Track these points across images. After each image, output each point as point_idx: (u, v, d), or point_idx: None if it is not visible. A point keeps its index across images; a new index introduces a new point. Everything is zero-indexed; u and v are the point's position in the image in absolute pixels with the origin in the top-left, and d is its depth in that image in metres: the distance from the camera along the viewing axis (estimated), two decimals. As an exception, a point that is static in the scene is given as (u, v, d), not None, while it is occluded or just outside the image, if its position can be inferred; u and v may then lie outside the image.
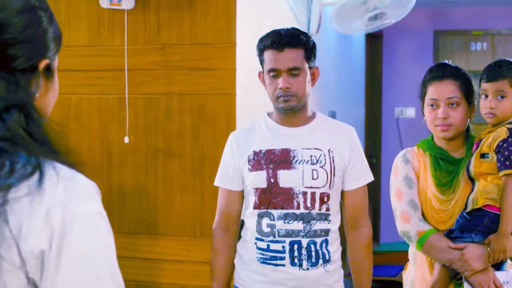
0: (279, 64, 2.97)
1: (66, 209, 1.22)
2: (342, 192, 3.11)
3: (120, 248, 4.16)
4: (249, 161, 3.06)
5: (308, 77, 3.03)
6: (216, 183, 3.19)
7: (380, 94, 8.69)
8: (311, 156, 3.01)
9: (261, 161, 3.03)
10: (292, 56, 2.97)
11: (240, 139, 3.14)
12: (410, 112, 8.39)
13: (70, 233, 1.21)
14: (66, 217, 1.21)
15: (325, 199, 3.01)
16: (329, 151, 3.03)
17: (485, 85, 3.01)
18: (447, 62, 3.18)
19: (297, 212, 2.98)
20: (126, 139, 4.01)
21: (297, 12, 4.98)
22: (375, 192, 7.92)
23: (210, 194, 3.89)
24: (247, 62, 3.99)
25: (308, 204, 2.99)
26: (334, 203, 3.06)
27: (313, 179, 2.99)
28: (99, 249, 1.24)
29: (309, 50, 3.02)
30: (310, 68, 3.04)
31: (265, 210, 3.02)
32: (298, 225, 2.98)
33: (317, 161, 3.01)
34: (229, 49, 3.88)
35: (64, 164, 1.29)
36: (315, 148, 3.03)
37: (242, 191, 3.14)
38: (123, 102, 4.05)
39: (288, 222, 2.98)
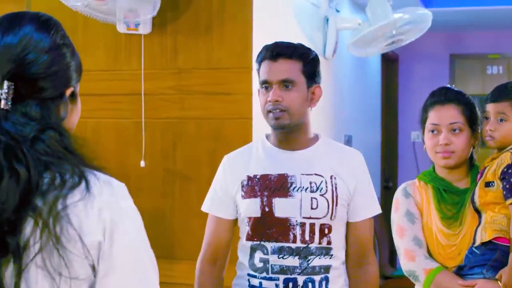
0: (271, 75, 2.69)
1: (112, 208, 1.55)
2: (347, 224, 2.80)
3: (136, 273, 4.16)
4: (242, 187, 2.76)
5: (305, 94, 2.72)
6: (204, 209, 2.95)
7: (396, 117, 8.67)
8: (310, 183, 2.70)
9: (255, 188, 2.72)
10: (285, 67, 2.69)
11: (233, 162, 2.87)
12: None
13: (117, 226, 1.54)
14: (113, 214, 1.54)
15: (326, 231, 2.70)
16: (331, 177, 2.72)
17: (487, 106, 2.90)
18: (450, 86, 3.04)
19: (293, 246, 2.67)
20: (142, 163, 4.02)
21: (313, 36, 4.99)
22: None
23: (226, 218, 3.88)
24: (263, 86, 3.99)
25: (306, 237, 2.67)
26: (337, 236, 2.74)
27: (312, 208, 2.68)
28: (139, 236, 1.61)
29: (309, 64, 2.73)
30: (309, 85, 2.74)
31: (258, 242, 2.72)
32: (293, 261, 2.66)
33: (317, 189, 2.69)
34: (246, 74, 3.89)
35: (96, 170, 1.61)
36: (315, 174, 2.72)
37: (234, 220, 2.86)
38: (140, 126, 4.06)
39: (282, 257, 2.67)
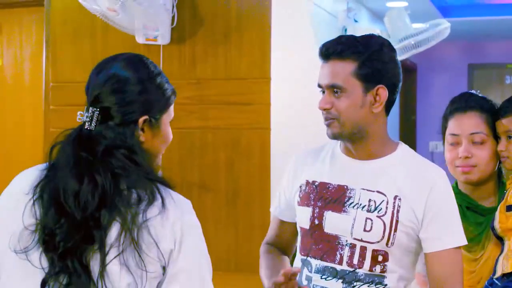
0: (320, 78, 2.35)
1: (182, 221, 1.87)
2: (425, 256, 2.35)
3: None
4: (300, 191, 2.46)
5: (359, 100, 2.30)
6: (271, 209, 2.65)
7: (415, 128, 8.66)
8: (370, 200, 2.32)
9: (311, 196, 2.41)
10: (334, 70, 2.31)
11: (299, 162, 2.53)
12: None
13: (185, 237, 1.86)
14: (183, 226, 1.86)
15: (380, 258, 2.30)
16: (395, 198, 2.30)
17: (497, 124, 2.54)
18: (473, 91, 2.70)
19: (338, 267, 2.33)
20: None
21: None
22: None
23: (244, 228, 3.88)
24: (282, 96, 3.99)
25: (354, 261, 2.31)
26: (397, 266, 2.32)
27: (365, 230, 2.30)
28: (201, 245, 1.94)
29: (366, 64, 2.30)
30: (368, 88, 2.31)
31: (305, 257, 2.41)
32: (336, 284, 2.33)
33: (375, 209, 2.31)
34: (264, 84, 3.89)
35: (165, 186, 1.92)
36: (377, 192, 2.33)
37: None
38: (158, 136, 4.06)
39: (325, 278, 2.35)
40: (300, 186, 2.46)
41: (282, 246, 2.61)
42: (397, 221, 2.29)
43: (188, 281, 1.89)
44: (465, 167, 2.53)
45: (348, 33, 5.19)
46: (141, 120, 1.93)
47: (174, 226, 1.86)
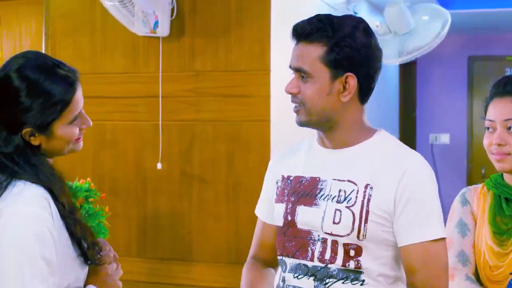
0: (291, 60, 2.17)
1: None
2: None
3: (154, 275, 4.18)
4: (277, 188, 2.29)
5: (326, 87, 2.11)
6: (255, 210, 2.46)
7: (414, 120, 8.65)
8: (340, 191, 2.13)
9: (285, 191, 2.24)
10: (301, 53, 2.13)
11: (278, 157, 2.38)
12: (445, 138, 8.33)
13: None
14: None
15: (352, 253, 2.11)
16: (366, 186, 2.11)
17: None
18: None
19: (309, 264, 2.15)
20: (159, 165, 4.02)
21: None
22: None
23: (244, 221, 3.88)
24: (281, 88, 3.97)
25: (326, 256, 2.13)
26: (374, 261, 2.12)
27: (334, 222, 2.11)
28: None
29: (335, 50, 2.09)
30: (336, 75, 2.10)
31: (281, 257, 2.23)
32: (308, 282, 2.14)
33: (344, 199, 2.12)
34: (264, 76, 3.89)
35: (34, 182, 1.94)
36: (348, 181, 2.14)
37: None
38: (157, 128, 4.06)
39: (297, 277, 2.17)
40: (277, 182, 2.30)
41: (267, 256, 2.36)
42: (367, 211, 2.08)
43: None
44: (498, 155, 2.35)
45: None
46: (24, 132, 1.97)
47: None
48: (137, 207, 4.09)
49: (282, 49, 4.04)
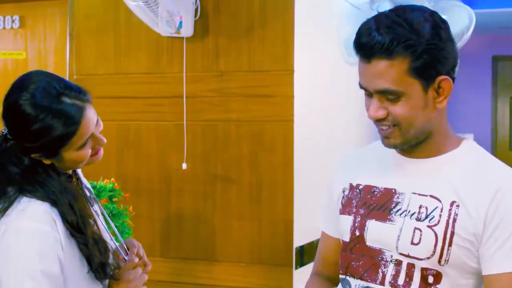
0: (365, 81, 1.88)
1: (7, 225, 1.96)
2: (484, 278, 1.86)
3: (177, 274, 4.19)
4: (342, 197, 2.06)
5: (421, 100, 1.85)
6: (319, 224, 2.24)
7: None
8: (420, 206, 1.88)
9: (353, 202, 2.01)
10: (382, 72, 1.82)
11: (345, 162, 2.15)
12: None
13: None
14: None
15: (430, 279, 1.85)
16: (452, 204, 1.85)
17: None
18: None
19: None
20: (184, 166, 4.03)
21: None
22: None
23: (267, 221, 3.88)
24: (305, 89, 3.98)
25: (399, 281, 1.88)
26: None
27: (412, 243, 1.86)
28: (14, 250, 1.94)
29: (422, 57, 1.80)
30: (428, 84, 1.85)
31: (344, 276, 2.01)
32: None
33: (426, 217, 1.86)
34: (287, 76, 3.88)
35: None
36: (430, 196, 1.88)
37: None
38: (181, 128, 4.07)
39: None
40: (343, 191, 2.07)
41: (333, 273, 2.13)
42: (452, 233, 1.83)
43: None
44: None
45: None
46: (34, 156, 2.03)
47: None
48: (160, 207, 4.11)
49: (306, 49, 4.04)
